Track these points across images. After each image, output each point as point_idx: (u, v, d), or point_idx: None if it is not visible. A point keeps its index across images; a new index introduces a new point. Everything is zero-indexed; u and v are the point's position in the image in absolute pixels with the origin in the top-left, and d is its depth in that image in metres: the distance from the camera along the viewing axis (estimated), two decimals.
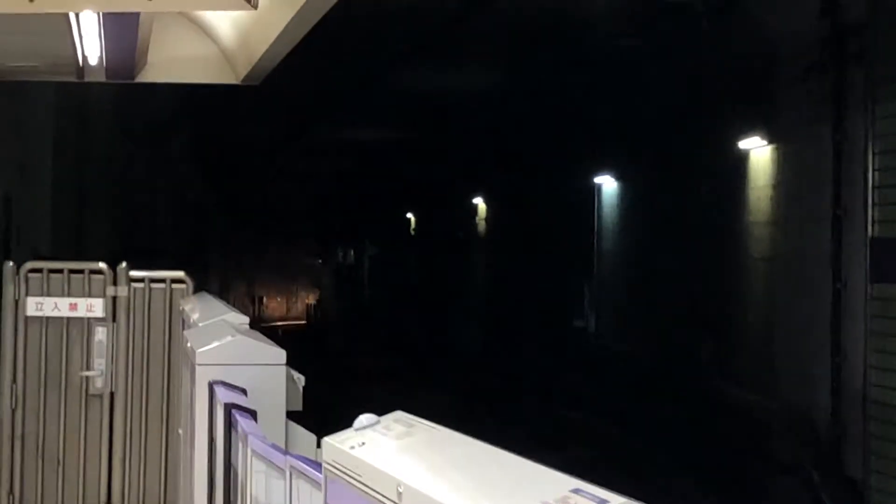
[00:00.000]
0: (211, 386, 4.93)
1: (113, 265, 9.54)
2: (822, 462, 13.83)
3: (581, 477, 2.00)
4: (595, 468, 13.34)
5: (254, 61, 11.18)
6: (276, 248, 48.11)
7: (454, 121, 27.62)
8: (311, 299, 49.54)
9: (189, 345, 5.76)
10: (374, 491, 2.42)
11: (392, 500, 2.32)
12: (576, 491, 1.95)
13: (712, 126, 17.85)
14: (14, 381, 9.44)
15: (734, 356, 17.30)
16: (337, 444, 2.71)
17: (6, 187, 14.30)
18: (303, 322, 48.08)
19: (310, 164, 39.45)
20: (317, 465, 3.05)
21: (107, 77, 11.63)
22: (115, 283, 9.49)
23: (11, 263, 9.54)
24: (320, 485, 2.88)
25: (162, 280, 9.53)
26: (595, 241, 24.73)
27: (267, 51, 10.55)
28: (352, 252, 54.29)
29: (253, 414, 4.37)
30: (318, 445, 3.35)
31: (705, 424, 16.77)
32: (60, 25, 9.02)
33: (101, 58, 10.50)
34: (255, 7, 4.97)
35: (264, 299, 46.06)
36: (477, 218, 34.99)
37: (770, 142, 16.02)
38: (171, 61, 11.93)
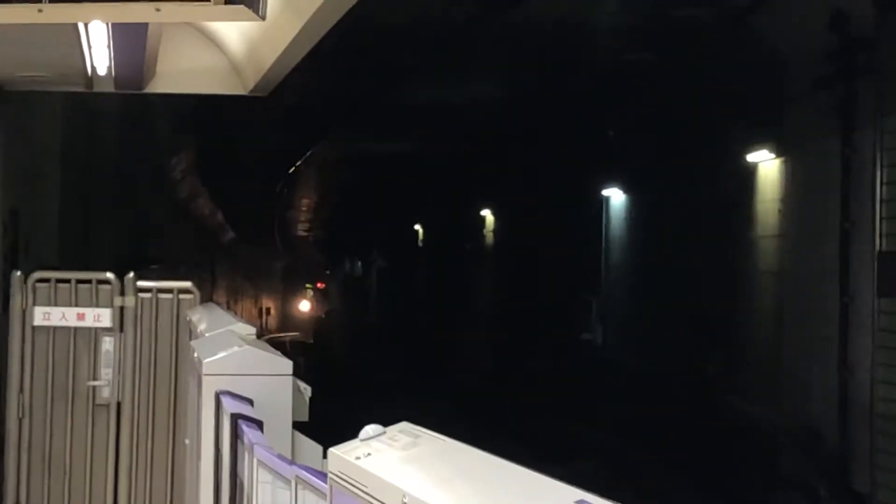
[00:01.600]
0: (217, 396, 4.93)
1: (120, 275, 9.55)
2: (828, 476, 13.79)
3: (585, 489, 2.00)
4: (598, 480, 13.31)
5: (262, 72, 11.19)
6: (284, 260, 48.10)
7: (461, 132, 27.62)
8: (320, 310, 49.48)
9: (196, 355, 5.76)
10: (380, 501, 2.42)
11: None
12: (580, 502, 1.95)
13: (720, 139, 17.83)
14: (21, 390, 9.45)
15: (741, 370, 17.26)
16: (342, 455, 2.71)
17: (14, 197, 14.31)
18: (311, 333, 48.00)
19: (319, 175, 39.45)
20: (322, 476, 3.05)
21: (115, 87, 11.64)
22: (122, 293, 9.50)
23: (19, 273, 9.56)
24: (326, 495, 2.88)
25: (169, 290, 9.54)
26: (602, 253, 24.71)
27: (275, 62, 10.56)
28: (360, 263, 54.31)
29: (259, 424, 4.37)
30: (325, 456, 3.35)
31: (712, 438, 16.72)
32: (69, 35, 9.04)
33: (109, 68, 10.52)
34: (264, 18, 4.95)
35: (272, 310, 45.99)
36: (485, 230, 35.00)
37: (778, 155, 16.00)
38: (180, 72, 11.94)
